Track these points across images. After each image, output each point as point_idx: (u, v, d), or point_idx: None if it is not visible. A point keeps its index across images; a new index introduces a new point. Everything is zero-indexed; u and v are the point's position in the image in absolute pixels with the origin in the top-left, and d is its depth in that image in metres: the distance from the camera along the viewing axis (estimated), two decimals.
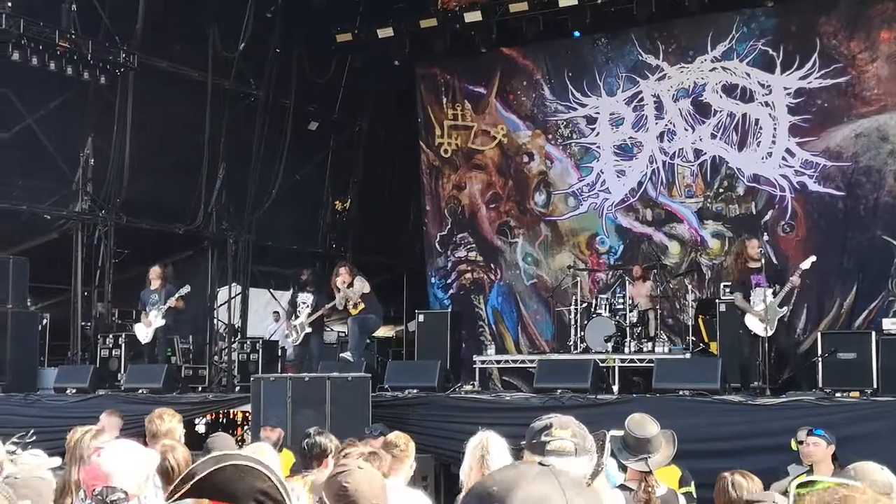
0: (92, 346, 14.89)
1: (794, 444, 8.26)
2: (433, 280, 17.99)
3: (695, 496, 6.41)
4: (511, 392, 13.18)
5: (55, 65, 13.85)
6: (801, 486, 2.65)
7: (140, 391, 12.88)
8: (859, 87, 14.64)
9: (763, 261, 11.00)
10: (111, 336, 14.66)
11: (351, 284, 13.01)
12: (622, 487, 4.46)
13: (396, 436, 5.87)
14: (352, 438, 6.21)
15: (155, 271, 13.54)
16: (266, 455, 4.79)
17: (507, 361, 15.15)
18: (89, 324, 15.16)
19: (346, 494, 3.23)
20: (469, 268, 17.70)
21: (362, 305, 13.05)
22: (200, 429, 14.13)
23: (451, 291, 17.09)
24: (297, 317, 13.36)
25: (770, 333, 10.70)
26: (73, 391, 13.28)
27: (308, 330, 13.28)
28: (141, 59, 14.92)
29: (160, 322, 13.30)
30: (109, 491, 2.98)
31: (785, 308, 10.80)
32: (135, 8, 14.80)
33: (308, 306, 13.40)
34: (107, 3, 14.63)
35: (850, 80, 14.65)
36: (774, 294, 10.71)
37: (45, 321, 14.99)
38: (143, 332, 13.48)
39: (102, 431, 4.46)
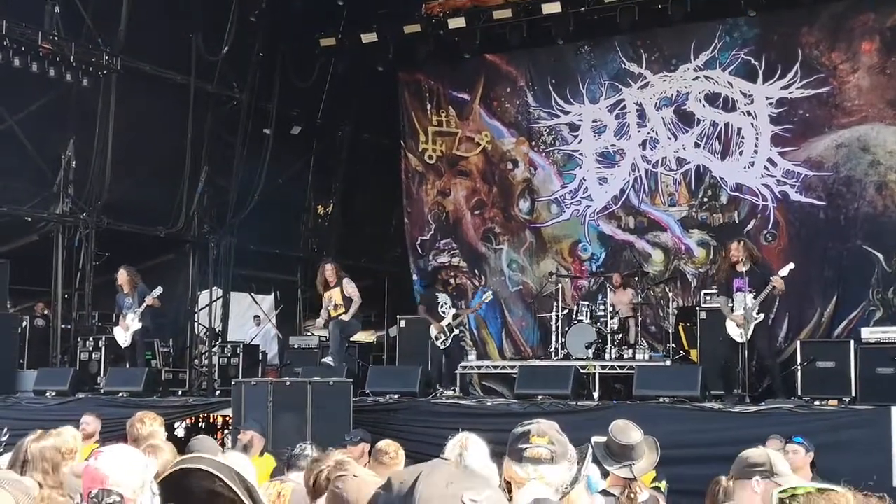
0: (72, 348, 14.82)
1: None
2: (415, 277, 17.98)
3: (663, 491, 6.43)
4: (492, 398, 13.17)
5: (37, 66, 13.81)
6: (782, 492, 2.68)
7: (120, 394, 12.87)
8: (841, 97, 14.73)
9: (746, 265, 10.97)
10: (91, 339, 14.59)
11: (337, 284, 13.01)
12: (605, 493, 4.46)
13: (387, 443, 5.82)
14: (330, 448, 6.17)
15: (122, 276, 13.40)
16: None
17: (487, 367, 15.14)
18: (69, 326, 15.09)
19: (340, 499, 3.29)
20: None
21: (342, 309, 13.03)
22: (180, 433, 14.07)
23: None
24: (442, 318, 13.49)
25: (745, 339, 10.71)
26: (53, 394, 13.24)
27: (456, 332, 13.54)
28: (124, 62, 14.89)
29: (137, 325, 13.23)
30: (105, 494, 2.96)
31: (763, 315, 10.79)
32: (118, 10, 14.74)
33: (450, 307, 13.56)
34: (90, 5, 14.56)
35: (832, 91, 14.74)
36: (755, 298, 10.73)
37: (24, 323, 14.90)
38: (122, 335, 13.41)
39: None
